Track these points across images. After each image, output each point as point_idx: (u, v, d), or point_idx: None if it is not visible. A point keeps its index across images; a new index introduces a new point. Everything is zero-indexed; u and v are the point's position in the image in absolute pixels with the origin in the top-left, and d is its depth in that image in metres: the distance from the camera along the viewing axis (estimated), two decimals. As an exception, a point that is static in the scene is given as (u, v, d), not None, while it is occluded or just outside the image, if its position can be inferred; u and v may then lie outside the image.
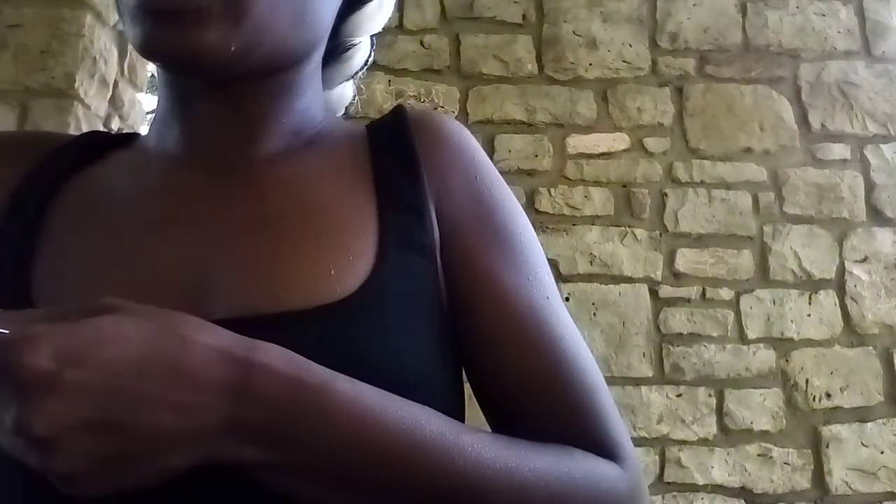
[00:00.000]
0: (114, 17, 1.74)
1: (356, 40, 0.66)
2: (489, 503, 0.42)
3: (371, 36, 0.68)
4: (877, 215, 2.42)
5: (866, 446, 2.22)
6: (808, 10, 2.60)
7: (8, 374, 0.34)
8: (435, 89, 2.51)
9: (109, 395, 0.35)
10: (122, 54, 1.82)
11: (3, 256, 0.49)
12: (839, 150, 2.48)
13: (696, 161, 2.46)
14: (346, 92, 0.70)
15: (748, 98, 2.51)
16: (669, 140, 2.48)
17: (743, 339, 2.31)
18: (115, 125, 1.78)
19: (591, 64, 2.54)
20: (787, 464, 2.21)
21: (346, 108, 0.72)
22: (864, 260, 2.38)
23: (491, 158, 0.59)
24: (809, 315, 2.33)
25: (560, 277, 2.32)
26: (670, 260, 2.38)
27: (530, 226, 0.57)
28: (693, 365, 2.29)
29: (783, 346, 2.31)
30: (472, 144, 0.58)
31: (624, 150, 2.47)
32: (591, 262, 2.37)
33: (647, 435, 2.22)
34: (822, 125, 2.50)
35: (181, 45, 0.46)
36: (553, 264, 2.28)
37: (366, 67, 0.69)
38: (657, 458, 2.22)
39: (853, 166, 2.47)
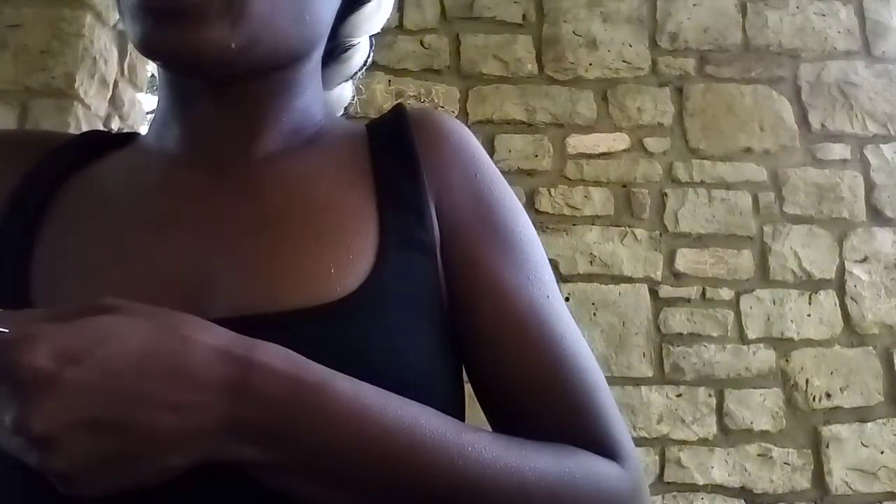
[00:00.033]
0: (114, 17, 1.74)
1: (355, 41, 0.66)
2: (489, 502, 0.42)
3: (370, 36, 0.68)
4: (877, 215, 2.42)
5: (866, 446, 2.22)
6: (808, 10, 2.60)
7: (8, 374, 0.34)
8: (435, 89, 2.51)
9: (109, 395, 0.35)
10: (122, 54, 1.82)
11: (2, 255, 0.50)
12: (839, 150, 2.48)
13: (696, 161, 2.46)
14: (345, 92, 0.70)
15: (748, 98, 2.51)
16: (669, 140, 2.48)
17: (743, 339, 2.31)
18: (115, 125, 1.78)
19: (591, 64, 2.54)
20: (787, 464, 2.21)
21: (346, 108, 0.72)
22: (864, 260, 2.38)
23: (491, 158, 0.59)
24: (809, 315, 2.33)
25: (560, 277, 2.32)
26: (670, 260, 2.38)
27: (531, 224, 0.57)
28: (693, 365, 2.29)
29: (783, 346, 2.31)
30: (473, 143, 0.58)
31: (624, 150, 2.47)
32: (591, 262, 2.37)
33: (647, 435, 2.22)
34: (822, 125, 2.50)
35: (182, 43, 0.46)
36: (553, 264, 2.28)
37: (365, 68, 0.69)
38: (657, 458, 2.22)
39: (853, 166, 2.47)
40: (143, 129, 0.63)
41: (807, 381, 2.28)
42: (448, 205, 0.53)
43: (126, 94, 1.83)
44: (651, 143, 2.47)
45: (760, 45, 2.57)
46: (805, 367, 2.29)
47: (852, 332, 2.32)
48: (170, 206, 0.52)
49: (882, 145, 2.49)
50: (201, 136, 0.54)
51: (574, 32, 2.57)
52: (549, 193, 2.42)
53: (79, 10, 1.65)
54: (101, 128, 1.71)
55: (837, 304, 2.34)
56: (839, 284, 2.36)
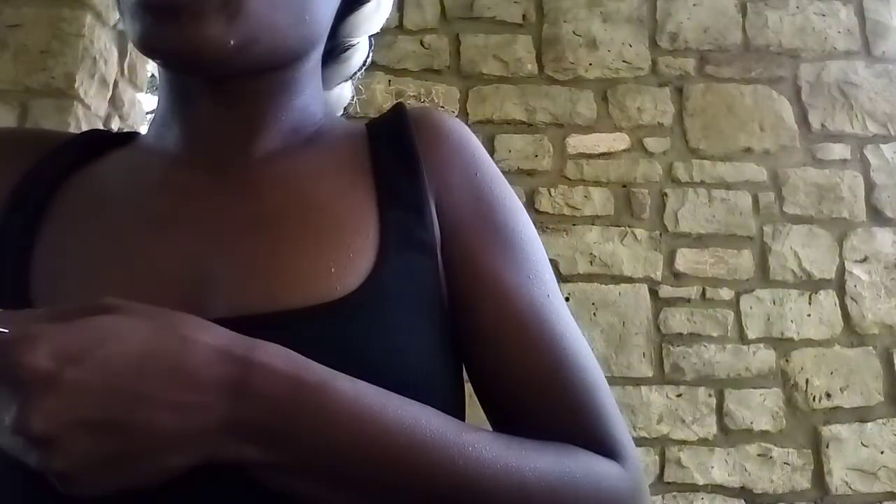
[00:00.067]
0: (114, 17, 1.74)
1: (354, 41, 0.66)
2: (489, 502, 0.42)
3: (369, 36, 0.68)
4: (877, 215, 2.42)
5: (866, 446, 2.22)
6: (808, 10, 2.60)
7: (7, 374, 0.34)
8: (435, 89, 2.51)
9: (109, 395, 0.35)
10: (122, 54, 1.82)
11: (2, 254, 0.50)
12: (839, 150, 2.48)
13: (696, 161, 2.46)
14: (344, 92, 0.70)
15: (748, 98, 2.51)
16: (669, 140, 2.48)
17: (743, 339, 2.31)
18: (115, 125, 1.78)
19: (591, 64, 2.54)
20: (787, 464, 2.21)
21: (345, 108, 0.72)
22: (864, 260, 2.38)
23: (491, 158, 0.59)
24: (809, 315, 2.33)
25: (560, 277, 2.32)
26: (670, 260, 2.38)
27: (531, 223, 0.57)
28: (693, 365, 2.29)
29: (783, 346, 2.31)
30: (473, 142, 0.58)
31: (624, 150, 2.47)
32: (591, 262, 2.37)
33: (647, 435, 2.22)
34: (822, 125, 2.50)
35: (181, 41, 0.46)
36: (553, 264, 2.27)
37: (364, 68, 0.69)
38: (657, 458, 2.22)
39: (853, 166, 2.47)
40: (143, 129, 0.63)
41: (807, 381, 2.28)
42: (448, 204, 0.53)
43: (126, 94, 1.83)
44: (651, 143, 2.47)
45: (760, 45, 2.57)
46: (805, 367, 2.29)
47: (852, 332, 2.32)
48: (170, 206, 0.52)
49: (882, 145, 2.49)
50: (201, 135, 0.54)
51: (574, 32, 2.57)
52: (549, 193, 2.42)
53: (79, 10, 1.65)
54: (101, 128, 1.71)
55: (837, 304, 2.34)
56: (839, 284, 2.36)
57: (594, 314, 2.32)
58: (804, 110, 2.51)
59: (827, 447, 2.22)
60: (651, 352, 2.30)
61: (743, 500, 2.19)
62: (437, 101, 2.49)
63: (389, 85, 2.49)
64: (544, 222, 2.37)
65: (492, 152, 2.41)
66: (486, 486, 0.42)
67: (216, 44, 0.46)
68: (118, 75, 1.79)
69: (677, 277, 2.36)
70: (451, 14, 2.59)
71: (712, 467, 2.20)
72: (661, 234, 2.40)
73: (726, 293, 2.35)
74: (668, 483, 2.19)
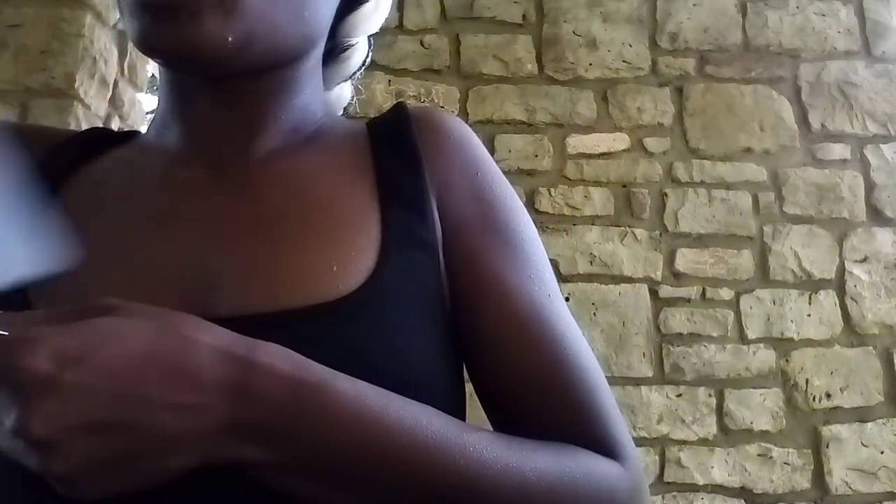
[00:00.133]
0: (114, 17, 1.74)
1: (353, 41, 0.66)
2: (490, 502, 0.42)
3: (368, 36, 0.68)
4: (877, 215, 2.42)
5: (866, 446, 2.22)
6: (808, 10, 2.60)
7: (7, 377, 0.34)
8: (435, 89, 2.51)
9: (110, 396, 0.35)
10: (122, 54, 1.82)
11: None
12: (839, 150, 2.48)
13: (696, 161, 2.46)
14: (344, 92, 0.70)
15: (748, 98, 2.51)
16: (669, 140, 2.48)
17: (743, 339, 2.31)
18: (115, 125, 1.78)
19: (591, 64, 2.54)
20: (787, 464, 2.21)
21: (345, 108, 0.72)
22: (864, 260, 2.38)
23: (492, 158, 0.59)
24: (809, 315, 2.33)
25: (560, 277, 2.32)
26: (670, 260, 2.38)
27: (532, 223, 0.57)
28: (693, 365, 2.29)
29: (783, 346, 2.31)
30: (474, 141, 0.58)
31: (624, 150, 2.47)
32: (591, 262, 2.37)
33: (647, 435, 2.22)
34: (822, 125, 2.50)
35: (180, 40, 0.46)
36: (553, 264, 2.27)
37: (364, 68, 0.69)
38: (657, 458, 2.22)
39: (853, 166, 2.47)
40: (144, 129, 0.63)
41: (807, 381, 2.28)
42: (449, 203, 0.53)
43: (126, 94, 1.83)
44: (651, 143, 2.47)
45: (760, 45, 2.57)
46: (805, 367, 2.29)
47: (852, 332, 2.32)
48: (170, 205, 0.52)
49: (882, 145, 2.49)
50: (201, 135, 0.54)
51: (574, 32, 2.57)
52: (549, 193, 2.42)
53: (79, 10, 1.65)
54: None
55: (837, 304, 2.34)
56: (839, 284, 2.36)
57: (594, 314, 2.32)
58: (804, 110, 2.51)
59: (827, 447, 2.22)
60: (651, 352, 2.30)
61: (743, 500, 2.19)
62: (437, 101, 2.49)
63: (389, 85, 2.49)
64: (544, 222, 2.37)
65: (492, 152, 2.40)
66: (487, 486, 0.42)
67: (215, 42, 0.46)
68: (118, 75, 1.79)
69: (677, 277, 2.36)
70: (451, 14, 2.59)
71: (712, 467, 2.20)
72: (661, 234, 2.40)
73: (726, 293, 2.35)
74: (668, 483, 2.19)
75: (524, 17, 2.59)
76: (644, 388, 2.27)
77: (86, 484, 0.36)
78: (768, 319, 2.32)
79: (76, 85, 1.61)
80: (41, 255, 0.35)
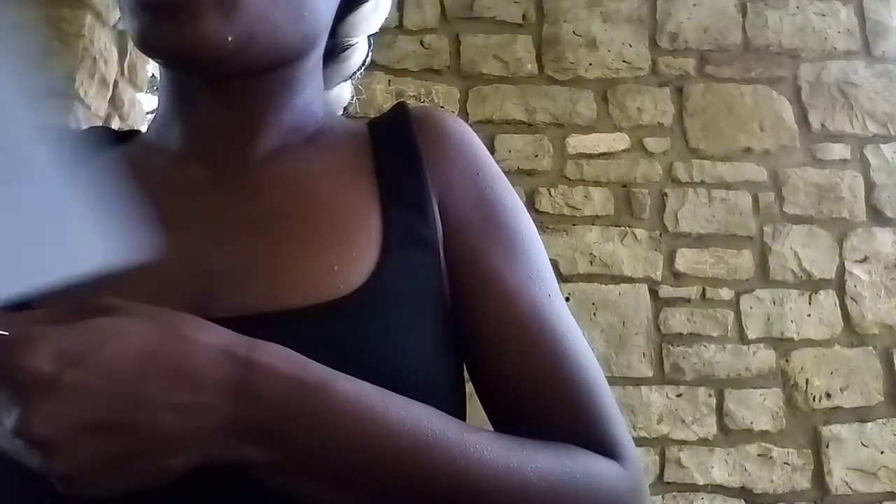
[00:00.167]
0: (114, 17, 1.74)
1: (353, 41, 0.66)
2: (491, 502, 0.42)
3: (368, 36, 0.68)
4: (877, 215, 2.42)
5: (866, 446, 2.22)
6: (808, 10, 2.60)
7: (8, 377, 0.34)
8: (435, 89, 2.51)
9: (110, 396, 0.35)
10: (122, 54, 1.82)
11: None
12: (839, 150, 2.48)
13: (696, 161, 2.46)
14: (343, 93, 0.70)
15: (748, 98, 2.51)
16: (669, 140, 2.48)
17: (743, 339, 2.31)
18: (115, 125, 1.78)
19: (591, 64, 2.54)
20: (787, 464, 2.21)
21: (345, 108, 0.72)
22: (864, 260, 2.38)
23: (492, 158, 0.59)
24: (809, 315, 2.33)
25: (560, 277, 2.31)
26: (670, 260, 2.38)
27: (532, 224, 0.57)
28: (693, 365, 2.29)
29: (783, 346, 2.31)
30: (475, 142, 0.58)
31: (624, 150, 2.47)
32: (591, 262, 2.37)
33: (647, 435, 2.22)
34: (822, 125, 2.50)
35: (179, 39, 0.46)
36: (553, 264, 2.27)
37: (364, 68, 0.69)
38: (657, 458, 2.22)
39: (853, 166, 2.47)
40: (144, 129, 0.63)
41: (807, 381, 2.28)
42: (450, 203, 0.53)
43: (126, 94, 1.83)
44: (651, 143, 2.47)
45: (760, 45, 2.57)
46: (805, 367, 2.29)
47: (852, 332, 2.32)
48: (170, 205, 0.52)
49: (882, 145, 2.49)
50: (201, 135, 0.54)
51: (574, 32, 2.57)
52: (549, 193, 2.42)
53: (79, 10, 1.65)
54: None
55: (837, 304, 2.34)
56: (839, 284, 2.36)
57: (594, 314, 2.32)
58: (804, 110, 2.51)
59: (827, 447, 2.22)
60: (651, 352, 2.30)
61: (743, 500, 2.19)
62: (437, 101, 2.49)
63: (389, 85, 2.49)
64: (544, 222, 2.37)
65: (492, 152, 2.39)
66: (487, 486, 0.42)
67: (214, 41, 0.47)
68: (118, 75, 1.79)
69: (677, 277, 2.36)
70: (451, 14, 2.59)
71: (712, 467, 2.21)
72: (661, 234, 2.40)
73: (726, 293, 2.35)
74: (668, 483, 2.20)
75: (524, 17, 2.59)
76: (644, 388, 2.27)
77: (87, 483, 0.36)
78: (768, 319, 2.32)
79: (76, 85, 1.61)
80: (120, 245, 0.35)
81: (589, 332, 2.24)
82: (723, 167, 2.45)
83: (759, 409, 2.25)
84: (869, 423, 2.24)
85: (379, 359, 0.45)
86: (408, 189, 0.53)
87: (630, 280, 2.36)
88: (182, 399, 0.37)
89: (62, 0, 1.65)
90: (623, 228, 2.40)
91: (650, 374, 2.28)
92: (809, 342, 2.31)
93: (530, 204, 2.39)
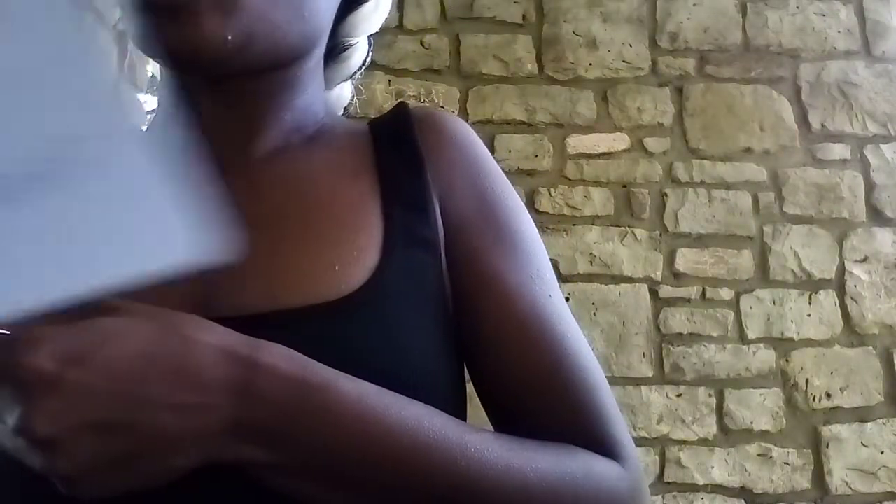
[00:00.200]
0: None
1: (353, 41, 0.66)
2: (491, 502, 0.42)
3: (368, 36, 0.68)
4: (877, 215, 2.42)
5: (866, 446, 2.22)
6: (808, 10, 2.60)
7: (10, 375, 0.34)
8: (435, 89, 2.51)
9: (112, 396, 0.35)
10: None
11: None
12: (839, 150, 2.48)
13: (696, 161, 2.46)
14: (344, 93, 0.70)
15: (748, 98, 2.51)
16: (669, 140, 2.48)
17: (743, 339, 2.31)
18: (116, 125, 1.78)
19: (591, 64, 2.54)
20: (787, 464, 2.21)
21: (345, 108, 0.72)
22: (864, 260, 2.38)
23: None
24: (809, 315, 2.33)
25: (560, 277, 2.31)
26: (670, 260, 2.38)
27: (533, 224, 0.57)
28: (693, 365, 2.29)
29: (783, 346, 2.31)
30: (476, 142, 0.58)
31: (624, 150, 2.47)
32: (591, 262, 2.37)
33: (647, 435, 2.22)
34: (822, 125, 2.50)
35: (179, 40, 0.46)
36: (553, 264, 2.26)
37: (364, 68, 0.69)
38: (657, 458, 2.22)
39: (853, 166, 2.47)
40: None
41: (807, 381, 2.28)
42: (451, 204, 0.53)
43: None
44: (651, 143, 2.47)
45: (760, 45, 2.57)
46: (805, 367, 2.29)
47: (852, 332, 2.32)
48: None
49: (882, 145, 2.49)
50: (201, 135, 0.54)
51: (574, 32, 2.57)
52: (549, 193, 2.42)
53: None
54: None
55: (837, 304, 2.34)
56: (839, 284, 2.36)
57: (594, 314, 2.32)
58: (804, 110, 2.51)
59: (827, 447, 2.22)
60: (651, 352, 2.30)
61: (743, 500, 2.19)
62: (437, 101, 2.49)
63: (389, 85, 2.49)
64: (544, 222, 2.37)
65: (492, 152, 2.38)
66: (488, 486, 0.42)
67: (214, 41, 0.47)
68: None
69: (677, 277, 2.36)
70: (451, 14, 2.59)
71: (712, 467, 2.20)
72: (661, 234, 2.40)
73: (726, 293, 2.35)
74: (668, 483, 2.19)
75: (524, 17, 2.59)
76: (644, 388, 2.27)
77: (88, 483, 0.36)
78: (768, 319, 2.32)
79: (76, 85, 1.60)
80: (204, 245, 0.35)
81: (589, 332, 2.23)
82: (723, 167, 2.45)
83: (759, 409, 2.25)
84: (869, 423, 2.24)
85: (380, 359, 0.45)
86: (409, 189, 0.53)
87: (630, 280, 2.36)
88: (183, 399, 0.37)
89: (62, 0, 1.65)
90: (623, 228, 2.40)
91: (650, 374, 2.28)
92: (809, 342, 2.31)
93: (530, 204, 2.39)
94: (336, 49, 0.65)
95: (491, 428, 0.50)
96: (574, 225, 2.39)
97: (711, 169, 2.45)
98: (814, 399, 2.26)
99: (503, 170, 0.59)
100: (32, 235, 0.32)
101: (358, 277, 0.47)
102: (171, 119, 0.56)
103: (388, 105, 0.59)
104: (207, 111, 0.54)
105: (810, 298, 2.34)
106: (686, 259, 2.37)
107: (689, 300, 2.34)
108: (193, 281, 0.47)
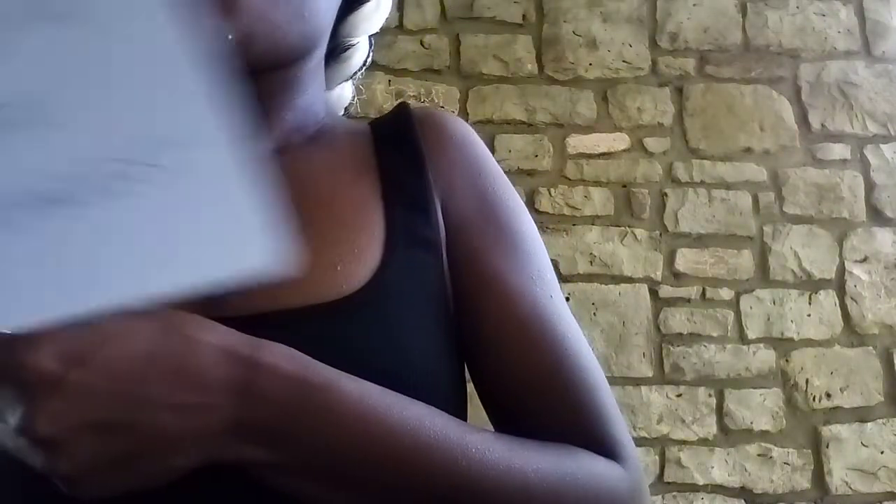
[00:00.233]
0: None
1: (354, 41, 0.66)
2: (491, 502, 0.42)
3: (369, 36, 0.68)
4: (877, 215, 2.42)
5: (866, 446, 2.22)
6: (808, 10, 2.60)
7: (11, 375, 0.34)
8: (435, 89, 2.51)
9: (113, 396, 0.35)
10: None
11: None
12: (839, 150, 2.48)
13: (696, 161, 2.46)
14: (344, 93, 0.70)
15: (748, 98, 2.51)
16: (669, 140, 2.48)
17: (743, 339, 2.31)
18: (116, 125, 1.78)
19: (591, 64, 2.54)
20: (787, 464, 2.21)
21: (346, 108, 0.72)
22: (864, 260, 2.38)
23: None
24: (809, 315, 2.33)
25: (560, 277, 2.30)
26: (670, 260, 2.38)
27: (533, 224, 0.57)
28: (693, 365, 2.29)
29: (783, 346, 2.31)
30: (476, 142, 0.58)
31: (624, 150, 2.47)
32: (591, 262, 2.37)
33: (647, 435, 2.22)
34: (822, 125, 2.50)
35: None
36: (553, 264, 2.26)
37: (364, 68, 0.69)
38: (657, 458, 2.22)
39: (853, 166, 2.47)
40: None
41: (807, 381, 2.28)
42: (452, 204, 0.54)
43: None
44: (651, 143, 2.47)
45: (760, 45, 2.57)
46: (805, 367, 2.29)
47: (852, 332, 2.32)
48: None
49: (882, 145, 2.49)
50: None
51: (574, 32, 2.57)
52: (549, 193, 2.42)
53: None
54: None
55: (837, 304, 2.34)
56: (839, 284, 2.36)
57: (594, 314, 2.32)
58: (804, 110, 2.51)
59: (827, 447, 2.22)
60: (651, 352, 2.30)
61: (743, 500, 2.19)
62: (437, 101, 2.49)
63: (389, 85, 2.49)
64: (544, 222, 2.37)
65: (492, 152, 2.38)
66: (489, 486, 0.42)
67: (213, 42, 0.47)
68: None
69: (677, 277, 2.36)
70: (451, 14, 2.59)
71: (712, 467, 2.21)
72: (661, 234, 2.40)
73: (726, 293, 2.35)
74: (668, 483, 2.20)
75: (524, 17, 2.59)
76: (644, 388, 2.27)
77: (89, 483, 0.36)
78: (768, 319, 2.32)
79: (77, 85, 1.61)
80: (272, 254, 0.34)
81: (589, 332, 2.23)
82: (723, 167, 2.45)
83: (759, 409, 2.25)
84: (869, 423, 2.24)
85: (381, 359, 0.45)
86: (410, 189, 0.53)
87: (630, 280, 2.36)
88: (183, 399, 0.37)
89: (62, 0, 1.65)
90: (623, 228, 2.40)
91: (650, 374, 2.28)
92: (809, 342, 2.31)
93: (530, 204, 2.39)
94: (337, 49, 0.65)
95: (491, 428, 0.50)
96: (574, 225, 2.39)
97: (711, 169, 2.45)
98: (814, 399, 2.26)
99: (503, 170, 0.59)
100: (103, 238, 0.31)
101: (359, 277, 0.47)
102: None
103: (389, 105, 0.59)
104: (208, 111, 0.54)
105: (810, 298, 2.34)
106: (686, 259, 2.37)
107: (689, 300, 2.34)
108: None
